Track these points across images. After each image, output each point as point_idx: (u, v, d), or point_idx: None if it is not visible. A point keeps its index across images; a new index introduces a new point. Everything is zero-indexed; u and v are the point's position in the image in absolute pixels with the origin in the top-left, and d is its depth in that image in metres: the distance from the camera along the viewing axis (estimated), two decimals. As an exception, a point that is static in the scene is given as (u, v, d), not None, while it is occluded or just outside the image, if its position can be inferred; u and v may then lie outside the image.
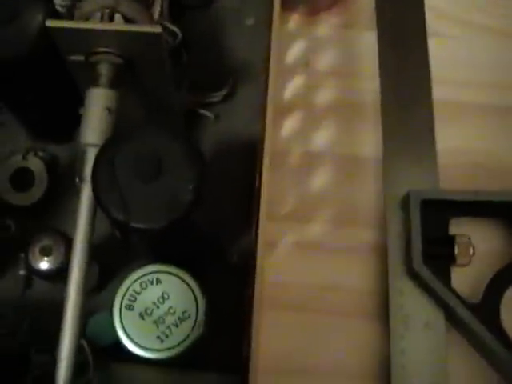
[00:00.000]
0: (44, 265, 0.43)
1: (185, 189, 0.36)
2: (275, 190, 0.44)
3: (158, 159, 0.36)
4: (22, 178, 0.49)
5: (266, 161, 0.41)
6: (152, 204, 0.36)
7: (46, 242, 0.43)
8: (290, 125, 0.47)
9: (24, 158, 0.49)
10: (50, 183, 0.49)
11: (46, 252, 0.43)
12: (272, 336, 0.41)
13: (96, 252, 0.45)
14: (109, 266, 0.47)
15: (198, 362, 0.42)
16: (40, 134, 0.51)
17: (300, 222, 0.44)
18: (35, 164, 0.49)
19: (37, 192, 0.49)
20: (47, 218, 0.49)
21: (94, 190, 0.36)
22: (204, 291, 0.39)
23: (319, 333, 0.42)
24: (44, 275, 0.44)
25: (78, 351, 0.38)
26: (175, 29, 0.43)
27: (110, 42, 0.40)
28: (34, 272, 0.44)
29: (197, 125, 0.51)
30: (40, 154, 0.50)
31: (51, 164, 0.50)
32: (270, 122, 0.42)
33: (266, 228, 0.41)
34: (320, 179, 0.46)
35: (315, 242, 0.44)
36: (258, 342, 0.40)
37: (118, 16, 0.40)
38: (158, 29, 0.38)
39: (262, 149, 0.42)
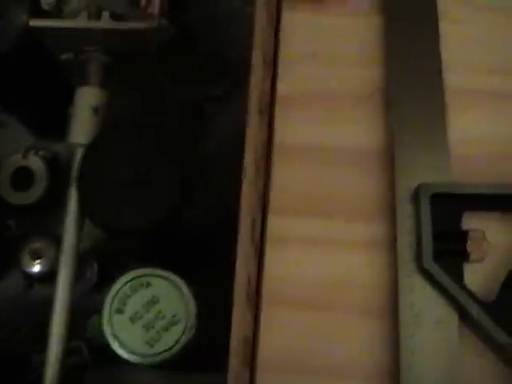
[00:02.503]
0: (36, 268, 0.43)
1: (169, 192, 0.35)
2: (282, 185, 0.43)
3: (143, 161, 0.35)
4: (22, 178, 0.49)
5: (248, 155, 0.39)
6: (133, 206, 0.35)
7: (36, 245, 0.43)
8: (296, 117, 0.46)
9: (24, 156, 0.49)
10: (51, 182, 0.49)
11: (36, 255, 0.43)
12: (276, 334, 0.40)
13: (95, 252, 0.45)
14: (109, 266, 0.46)
15: (194, 363, 0.42)
16: (40, 132, 0.50)
17: (307, 217, 0.43)
18: (35, 163, 0.49)
19: (37, 191, 0.48)
20: (48, 217, 0.49)
21: (77, 190, 0.36)
22: (195, 294, 0.38)
23: (325, 330, 0.41)
24: (36, 278, 0.44)
25: (76, 352, 0.38)
26: (166, 23, 0.42)
27: (97, 40, 0.39)
28: (27, 275, 0.44)
29: (197, 119, 0.51)
30: (40, 152, 0.49)
31: (52, 163, 0.49)
32: (253, 113, 0.40)
33: (271, 223, 0.41)
34: (328, 173, 0.44)
35: (322, 236, 0.43)
36: (260, 341, 0.39)
37: (105, 14, 0.39)
38: (143, 25, 0.38)
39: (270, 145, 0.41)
